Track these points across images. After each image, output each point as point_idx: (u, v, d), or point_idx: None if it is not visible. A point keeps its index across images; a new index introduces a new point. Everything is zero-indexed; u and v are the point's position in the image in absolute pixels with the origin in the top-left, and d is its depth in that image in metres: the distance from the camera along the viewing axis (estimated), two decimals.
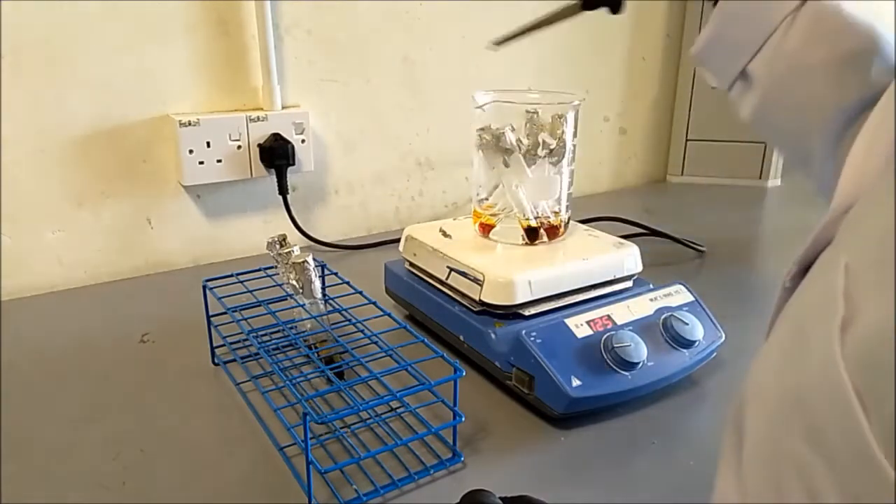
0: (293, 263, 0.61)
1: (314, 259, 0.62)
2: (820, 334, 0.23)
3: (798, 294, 0.30)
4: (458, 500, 0.41)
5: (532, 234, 0.68)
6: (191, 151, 0.86)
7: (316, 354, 0.58)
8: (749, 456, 0.27)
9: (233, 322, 0.61)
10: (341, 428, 0.55)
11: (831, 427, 0.21)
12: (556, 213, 0.69)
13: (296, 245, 0.64)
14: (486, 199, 0.71)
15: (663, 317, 0.62)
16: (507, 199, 0.69)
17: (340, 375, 0.60)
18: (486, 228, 0.70)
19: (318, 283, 0.63)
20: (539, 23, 0.60)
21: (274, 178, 0.93)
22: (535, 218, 0.68)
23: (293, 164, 0.93)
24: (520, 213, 0.68)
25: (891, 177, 0.25)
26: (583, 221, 0.82)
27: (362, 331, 0.60)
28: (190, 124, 0.85)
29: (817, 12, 0.48)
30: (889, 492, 0.19)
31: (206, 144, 0.86)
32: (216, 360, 0.66)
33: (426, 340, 0.55)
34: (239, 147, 0.89)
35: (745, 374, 0.30)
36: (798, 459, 0.23)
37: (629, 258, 0.67)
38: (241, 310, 0.62)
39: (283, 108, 0.93)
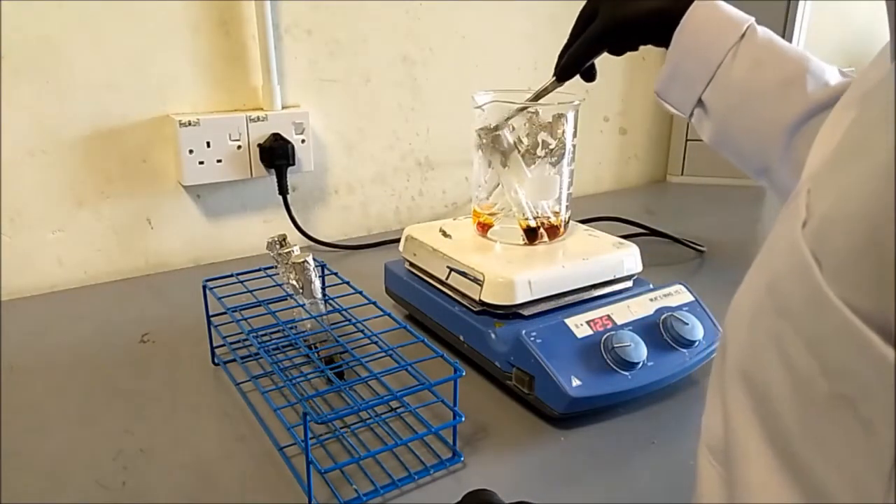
0: (293, 263, 0.61)
1: (314, 259, 0.62)
2: (786, 235, 0.27)
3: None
4: (458, 500, 0.41)
5: (532, 234, 0.68)
6: (191, 151, 0.86)
7: (316, 354, 0.58)
8: (731, 357, 0.30)
9: (233, 322, 0.61)
10: (341, 428, 0.55)
11: (794, 288, 0.25)
12: (556, 213, 0.69)
13: (296, 245, 0.64)
14: (486, 198, 0.71)
15: (663, 317, 0.62)
16: (507, 199, 0.69)
17: (340, 375, 0.60)
18: (484, 228, 0.70)
19: (318, 283, 0.63)
20: (529, 100, 0.66)
21: (274, 178, 0.93)
22: (535, 218, 0.68)
23: (293, 164, 0.93)
24: (519, 213, 0.68)
25: (838, 117, 0.30)
26: (583, 221, 0.82)
27: (362, 331, 0.60)
28: (190, 124, 0.85)
29: (756, 44, 0.56)
30: (836, 318, 0.22)
31: (206, 144, 0.86)
32: (216, 360, 0.66)
33: (426, 340, 0.55)
34: (239, 147, 0.89)
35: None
36: (772, 333, 0.26)
37: (629, 258, 0.67)
38: (241, 310, 0.62)
39: (283, 108, 0.93)
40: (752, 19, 0.57)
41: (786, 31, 1.14)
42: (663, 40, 0.59)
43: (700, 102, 0.59)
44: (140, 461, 0.52)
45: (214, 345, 0.66)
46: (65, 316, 0.77)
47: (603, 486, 0.50)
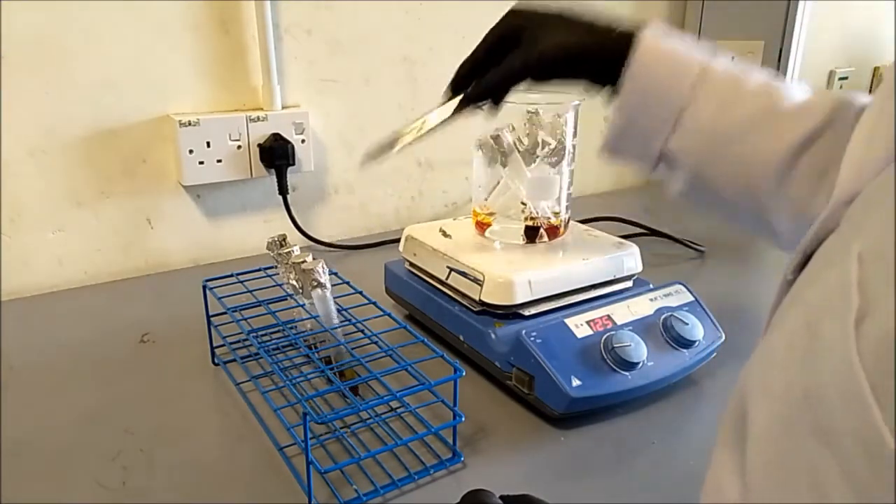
0: (293, 263, 0.61)
1: (328, 270, 0.61)
2: (834, 329, 0.23)
3: (805, 285, 0.30)
4: (458, 500, 0.41)
5: (532, 234, 0.68)
6: (191, 151, 0.86)
7: (316, 354, 0.58)
8: (755, 454, 0.27)
9: (233, 322, 0.61)
10: (341, 428, 0.55)
11: (845, 424, 0.21)
12: (556, 213, 0.69)
13: (296, 245, 0.63)
14: (486, 199, 0.71)
15: (663, 317, 0.62)
16: (506, 199, 0.69)
17: (354, 390, 0.59)
18: (483, 227, 0.70)
19: (329, 297, 0.61)
20: (411, 138, 0.58)
21: (274, 178, 0.93)
22: (534, 219, 0.68)
23: (293, 164, 0.93)
24: (523, 211, 0.68)
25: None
26: (583, 221, 0.82)
27: (362, 331, 0.60)
28: (190, 124, 0.85)
29: (718, 77, 0.49)
30: None
31: (206, 144, 0.86)
32: (216, 360, 0.66)
33: (426, 340, 0.55)
34: (239, 147, 0.89)
35: (744, 368, 0.30)
36: (809, 457, 0.23)
37: (629, 258, 0.67)
38: (241, 310, 0.62)
39: (283, 108, 0.93)
40: (707, 48, 0.50)
41: (786, 31, 1.14)
42: (597, 77, 0.53)
43: (663, 154, 0.51)
44: (140, 461, 0.52)
45: (214, 345, 0.66)
46: (65, 316, 0.77)
47: (603, 486, 0.50)
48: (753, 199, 0.49)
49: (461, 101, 0.56)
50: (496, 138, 0.66)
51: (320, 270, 0.58)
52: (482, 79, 0.55)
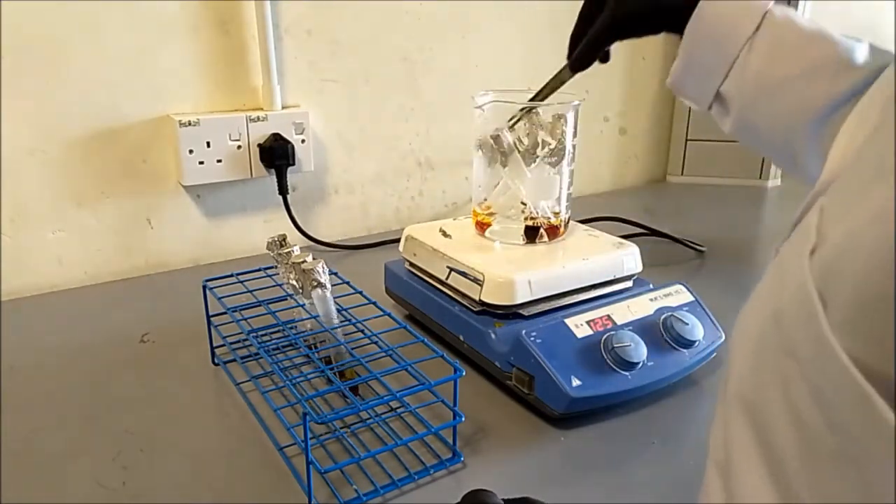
0: (293, 263, 0.61)
1: (328, 269, 0.61)
2: (794, 262, 0.26)
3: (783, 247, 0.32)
4: (458, 500, 0.41)
5: (532, 234, 0.68)
6: (191, 151, 0.86)
7: (316, 354, 0.58)
8: (732, 377, 0.29)
9: (233, 322, 0.61)
10: (341, 428, 0.55)
11: (803, 337, 0.24)
12: (556, 213, 0.69)
13: (296, 245, 0.63)
14: (486, 199, 0.71)
15: (663, 317, 0.62)
16: (506, 199, 0.69)
17: (354, 390, 0.59)
18: (483, 227, 0.70)
19: (330, 301, 0.61)
20: (537, 96, 0.66)
21: (274, 178, 0.93)
22: (533, 219, 0.68)
23: (293, 164, 0.93)
24: (523, 211, 0.68)
25: (873, 135, 0.28)
26: (583, 221, 0.82)
27: (362, 331, 0.60)
28: (190, 124, 0.85)
29: (773, 33, 0.53)
30: (842, 375, 0.21)
31: (206, 144, 0.86)
32: (216, 360, 0.66)
33: (426, 340, 0.55)
34: (239, 147, 0.89)
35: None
36: (778, 367, 0.25)
37: (629, 258, 0.67)
38: (241, 310, 0.62)
39: (283, 108, 0.93)
40: (770, 3, 0.54)
41: None
42: (678, 28, 0.57)
43: (718, 95, 0.57)
44: (140, 461, 0.52)
45: (214, 345, 0.66)
46: (65, 316, 0.77)
47: (603, 486, 0.50)
48: (791, 147, 0.54)
49: (570, 69, 0.65)
50: (496, 138, 0.66)
51: (320, 270, 0.58)
52: (579, 48, 0.63)
